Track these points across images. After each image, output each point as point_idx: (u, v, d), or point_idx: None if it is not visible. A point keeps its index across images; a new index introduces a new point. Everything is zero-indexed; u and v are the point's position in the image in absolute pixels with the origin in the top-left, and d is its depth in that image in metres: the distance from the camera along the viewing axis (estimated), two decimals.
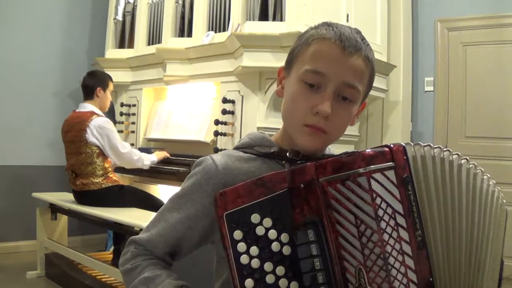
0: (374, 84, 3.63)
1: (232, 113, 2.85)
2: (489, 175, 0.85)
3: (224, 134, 2.85)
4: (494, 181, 0.86)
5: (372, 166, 0.70)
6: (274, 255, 0.71)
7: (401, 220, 0.70)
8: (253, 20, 2.82)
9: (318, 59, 0.78)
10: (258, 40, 2.64)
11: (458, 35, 3.62)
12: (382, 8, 3.43)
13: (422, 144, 0.77)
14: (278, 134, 0.89)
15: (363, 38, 0.82)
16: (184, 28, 3.33)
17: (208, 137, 3.02)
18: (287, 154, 0.82)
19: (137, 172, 3.17)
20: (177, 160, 3.07)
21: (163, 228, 0.83)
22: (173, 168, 2.93)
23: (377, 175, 0.70)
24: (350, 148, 3.09)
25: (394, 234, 0.69)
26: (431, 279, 0.71)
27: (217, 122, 2.84)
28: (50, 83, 4.00)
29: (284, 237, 0.71)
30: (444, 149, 0.78)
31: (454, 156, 0.80)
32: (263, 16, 2.82)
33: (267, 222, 0.71)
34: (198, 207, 0.80)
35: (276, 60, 2.60)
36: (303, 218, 0.71)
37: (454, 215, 0.76)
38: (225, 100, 2.85)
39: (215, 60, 3.00)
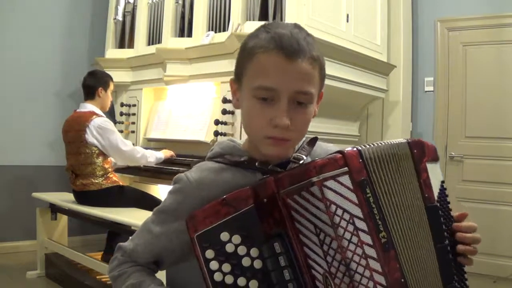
0: (374, 84, 3.60)
1: (232, 113, 2.85)
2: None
3: (224, 134, 2.85)
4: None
5: (324, 174, 0.71)
6: (246, 270, 0.73)
7: (361, 224, 0.71)
8: (253, 20, 2.82)
9: (264, 75, 0.77)
10: None
11: (458, 35, 3.62)
12: (382, 8, 3.43)
13: (375, 143, 0.76)
14: (247, 142, 0.90)
15: (305, 34, 0.80)
16: (184, 28, 3.33)
17: (208, 137, 3.02)
18: (256, 164, 0.84)
19: (137, 172, 3.17)
20: (177, 160, 3.07)
21: (147, 239, 0.87)
22: (173, 168, 2.93)
23: (330, 183, 0.71)
24: None
25: (354, 239, 0.70)
26: (402, 280, 0.71)
27: (217, 122, 2.84)
28: (51, 83, 4.00)
29: (254, 252, 0.74)
30: (389, 142, 0.78)
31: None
32: (263, 16, 2.82)
33: (236, 239, 0.74)
34: (180, 222, 0.81)
35: None
36: (270, 231, 0.74)
37: (413, 212, 0.76)
38: (225, 100, 2.85)
39: (215, 60, 2.99)
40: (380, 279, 0.69)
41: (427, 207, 0.80)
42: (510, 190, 3.38)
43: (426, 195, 0.80)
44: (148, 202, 2.92)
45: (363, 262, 0.69)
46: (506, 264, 3.30)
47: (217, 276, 0.73)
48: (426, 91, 3.75)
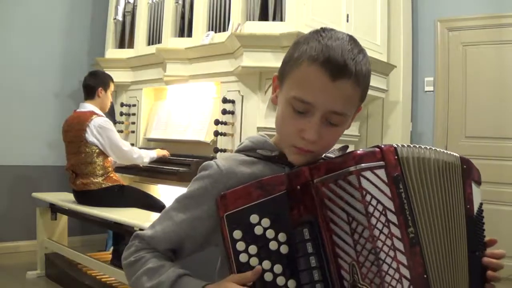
0: (374, 84, 3.60)
1: (232, 113, 2.85)
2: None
3: (224, 134, 2.85)
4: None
5: (362, 165, 0.73)
6: (272, 254, 0.74)
7: (392, 217, 0.72)
8: (253, 20, 2.82)
9: (305, 87, 0.77)
10: (258, 40, 2.64)
11: (458, 35, 3.62)
12: (382, 8, 3.43)
13: (413, 145, 0.79)
14: (277, 138, 0.90)
15: (357, 52, 0.79)
16: (184, 28, 3.33)
17: (208, 137, 3.02)
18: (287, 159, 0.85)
19: (137, 172, 3.17)
20: (177, 160, 3.07)
21: (168, 226, 0.85)
22: (173, 168, 2.93)
23: (367, 173, 0.73)
24: (350, 148, 3.08)
25: (385, 230, 0.72)
26: (425, 275, 0.72)
27: (217, 122, 2.84)
28: (51, 83, 4.00)
29: (282, 237, 0.75)
30: (438, 150, 0.81)
31: (451, 158, 0.82)
32: (263, 16, 2.82)
33: (265, 222, 0.75)
34: (204, 209, 0.82)
35: (276, 60, 2.60)
36: (300, 218, 0.75)
37: (451, 217, 0.79)
38: (225, 100, 2.85)
39: (215, 60, 3.00)
40: (405, 272, 0.71)
41: (468, 216, 0.82)
42: (510, 190, 3.37)
43: (468, 206, 0.82)
44: (148, 201, 2.93)
45: (391, 253, 0.71)
46: (506, 264, 3.27)
47: (243, 257, 0.74)
48: (426, 91, 3.74)
